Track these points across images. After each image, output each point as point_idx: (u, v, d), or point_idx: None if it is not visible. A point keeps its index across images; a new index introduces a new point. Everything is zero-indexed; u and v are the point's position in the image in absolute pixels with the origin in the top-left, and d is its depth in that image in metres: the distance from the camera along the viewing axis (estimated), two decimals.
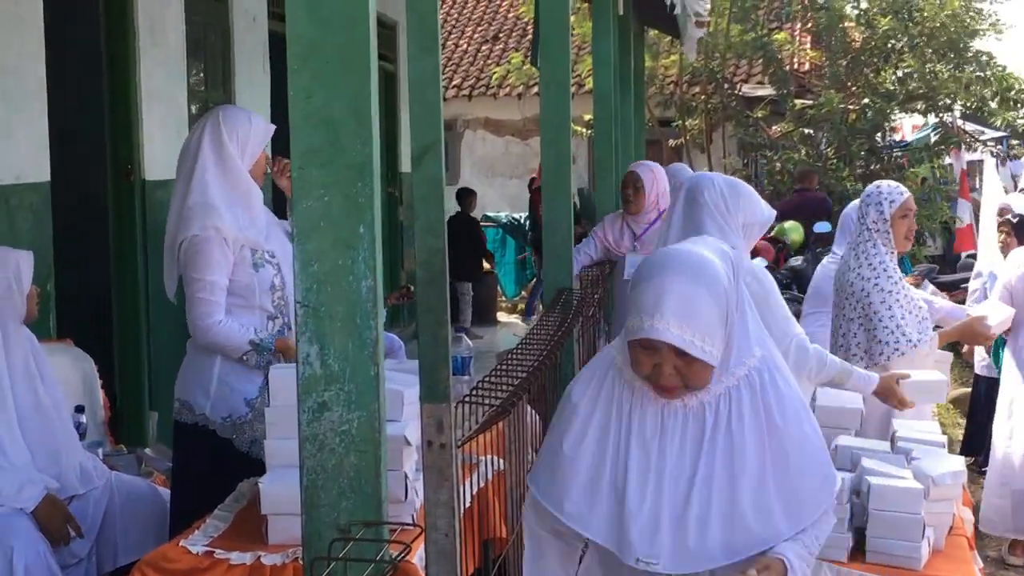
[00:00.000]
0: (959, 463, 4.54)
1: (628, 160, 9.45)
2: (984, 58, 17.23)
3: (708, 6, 11.68)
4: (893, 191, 5.31)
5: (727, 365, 2.65)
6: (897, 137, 22.13)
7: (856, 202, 6.92)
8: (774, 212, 5.19)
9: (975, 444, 7.97)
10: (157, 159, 6.92)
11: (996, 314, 5.37)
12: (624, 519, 2.63)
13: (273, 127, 4.61)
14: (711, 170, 16.79)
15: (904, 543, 4.22)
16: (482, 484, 4.32)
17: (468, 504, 3.92)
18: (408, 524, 2.60)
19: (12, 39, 5.81)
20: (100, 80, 6.96)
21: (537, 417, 4.86)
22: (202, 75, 8.09)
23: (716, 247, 2.71)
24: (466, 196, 14.86)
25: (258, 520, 3.74)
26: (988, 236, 8.61)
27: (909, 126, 23.73)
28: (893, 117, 18.15)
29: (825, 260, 7.11)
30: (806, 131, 17.06)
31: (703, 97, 17.51)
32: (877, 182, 5.51)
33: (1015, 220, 7.76)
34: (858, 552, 4.26)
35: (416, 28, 4.76)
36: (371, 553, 2.20)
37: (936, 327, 5.44)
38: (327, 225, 2.19)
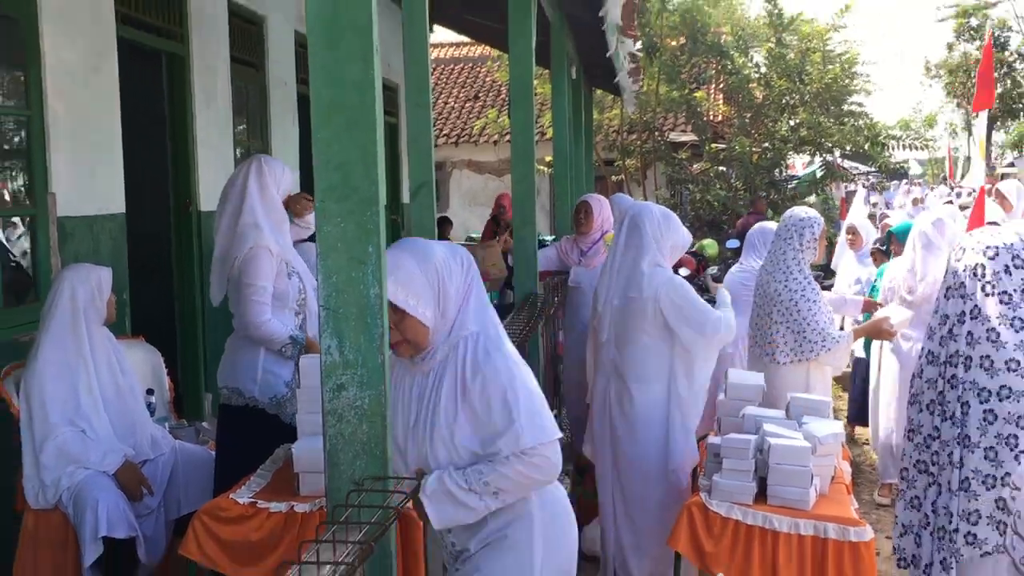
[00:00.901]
0: (839, 427, 4.58)
1: (579, 192, 9.48)
2: (859, 110, 17.51)
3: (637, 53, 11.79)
4: (818, 217, 5.22)
5: (447, 337, 2.68)
6: (791, 173, 22.41)
7: (766, 224, 6.96)
8: (691, 237, 5.25)
9: (856, 412, 8.04)
10: (210, 194, 6.90)
11: (897, 315, 5.40)
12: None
13: (297, 173, 4.63)
14: (646, 199, 16.98)
15: (797, 489, 4.24)
16: None
17: None
18: (409, 477, 2.61)
19: (96, 102, 5.81)
20: (164, 133, 6.96)
21: None
22: (244, 128, 8.08)
23: (452, 249, 2.75)
24: (444, 224, 14.49)
25: (291, 477, 3.74)
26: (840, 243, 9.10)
27: (800, 163, 23.91)
28: (788, 157, 18.32)
29: (733, 269, 7.14)
30: (720, 169, 17.17)
31: (639, 142, 17.59)
32: (796, 209, 5.39)
33: (878, 245, 8.01)
34: (761, 497, 4.29)
35: (412, 89, 4.80)
36: (379, 501, 2.23)
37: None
38: (343, 246, 2.23)
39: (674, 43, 16.98)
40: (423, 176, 4.75)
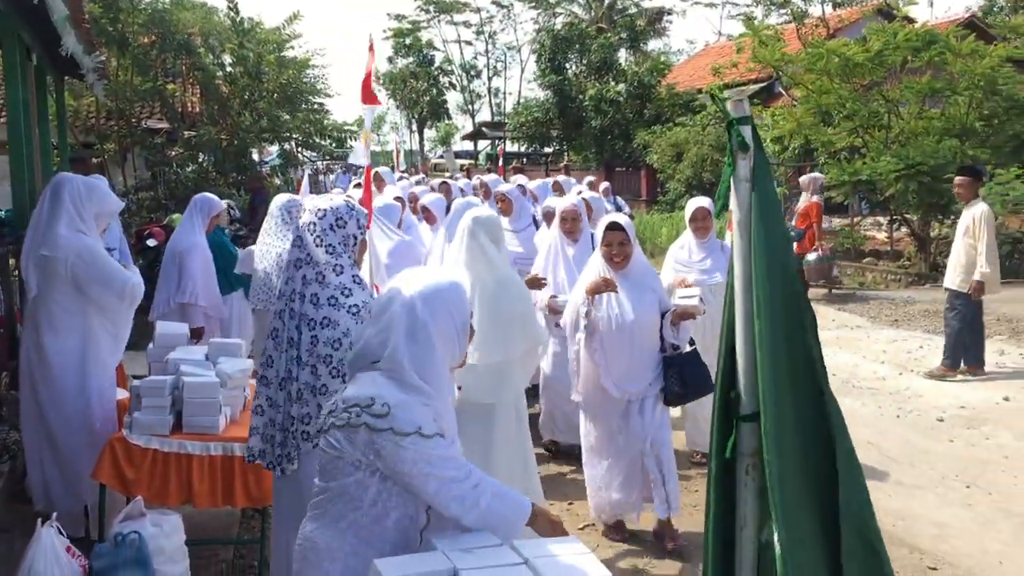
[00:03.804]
0: (248, 364, 4.68)
1: (49, 174, 8.65)
2: (316, 107, 18.04)
3: (102, 58, 11.04)
4: (295, 199, 6.54)
5: None
6: (265, 158, 22.40)
7: (282, 198, 6.66)
8: (120, 205, 5.03)
9: None
10: None
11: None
12: None
13: None
14: (125, 183, 16.04)
15: (208, 418, 4.29)
16: None
17: None
18: None
19: None
20: None
21: None
22: None
23: None
24: None
25: None
26: None
27: (275, 150, 24.00)
28: (255, 144, 18.26)
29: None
30: (195, 154, 16.70)
31: (116, 128, 16.48)
32: (280, 195, 6.35)
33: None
34: (179, 428, 4.28)
35: None
36: None
37: None
38: None
39: (146, 40, 16.10)
40: None
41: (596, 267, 5.04)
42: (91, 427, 4.56)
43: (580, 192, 10.64)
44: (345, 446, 2.45)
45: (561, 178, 13.19)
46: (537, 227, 8.46)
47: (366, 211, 3.52)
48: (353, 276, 3.33)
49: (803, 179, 13.73)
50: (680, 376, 4.86)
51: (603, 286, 4.89)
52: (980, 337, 8.96)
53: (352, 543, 2.46)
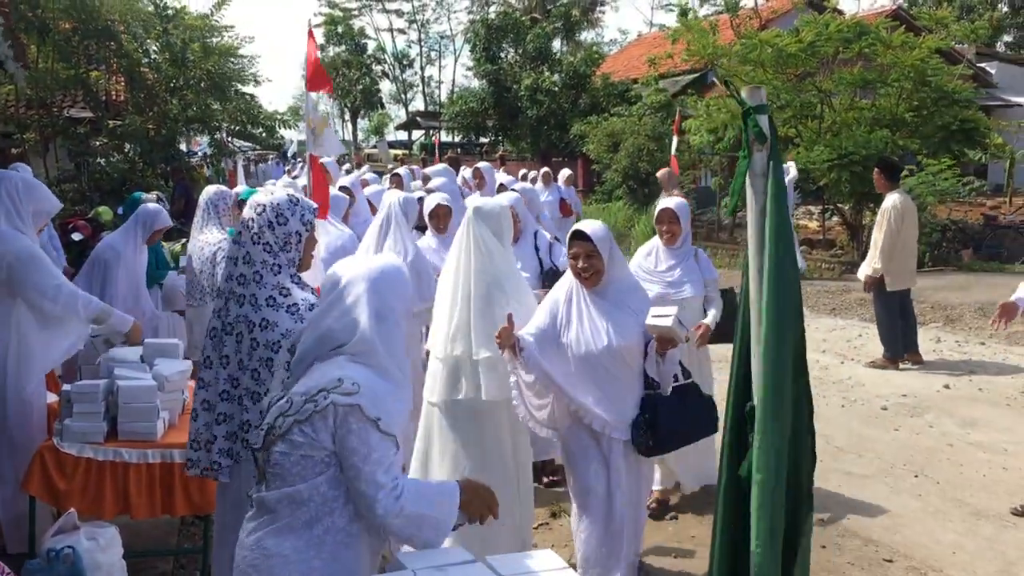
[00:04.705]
0: (185, 365, 4.46)
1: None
2: (248, 96, 17.55)
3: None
4: (226, 190, 6.08)
5: None
6: (195, 148, 21.80)
7: (210, 190, 6.28)
8: (58, 204, 4.75)
9: None
10: None
11: None
12: None
13: None
14: (47, 174, 15.40)
15: (145, 424, 4.06)
16: None
17: None
18: None
19: None
20: None
21: None
22: None
23: None
24: None
25: None
26: None
27: (206, 140, 23.44)
28: (183, 134, 17.71)
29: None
30: (121, 144, 16.10)
31: (37, 117, 15.79)
32: (210, 187, 6.02)
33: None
34: (113, 434, 4.04)
35: None
36: None
37: None
38: None
39: (67, 25, 15.44)
40: None
41: (565, 285, 4.16)
42: (10, 435, 4.27)
43: (501, 183, 10.51)
44: (315, 438, 2.36)
45: (483, 165, 12.42)
46: None
47: (314, 205, 3.31)
48: (292, 275, 3.16)
49: (660, 174, 12.77)
50: (651, 423, 3.94)
51: (506, 339, 3.89)
52: (911, 324, 9.08)
53: (331, 548, 2.36)
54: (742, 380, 2.02)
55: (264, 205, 3.14)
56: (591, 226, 4.07)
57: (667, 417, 3.93)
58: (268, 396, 2.63)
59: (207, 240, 5.75)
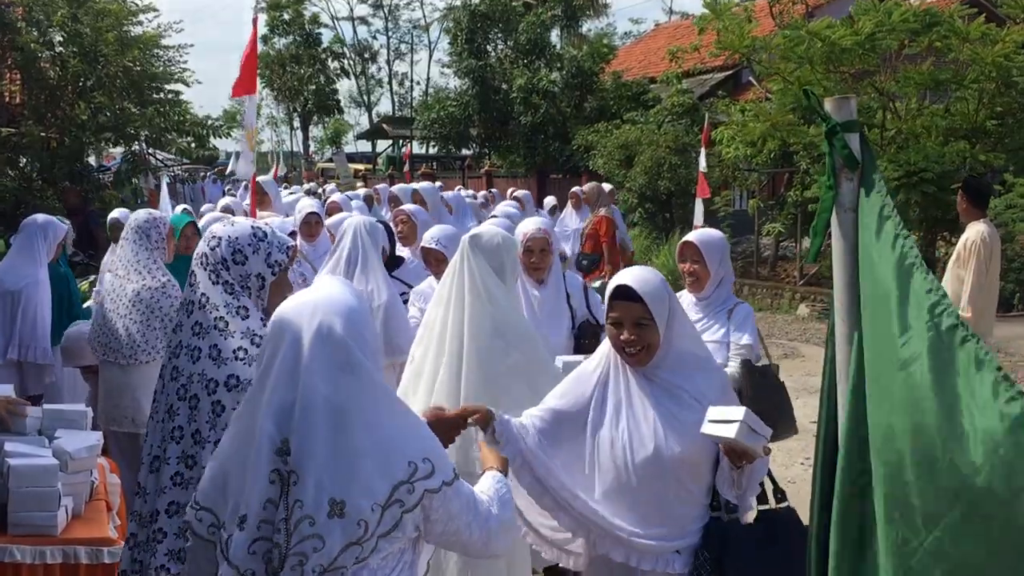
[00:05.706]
0: (95, 437, 4.44)
1: None
2: (173, 99, 17.61)
3: None
4: (161, 216, 5.89)
5: None
6: (107, 163, 21.83)
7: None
8: None
9: None
10: None
11: None
12: None
13: None
14: None
15: (43, 514, 4.03)
16: None
17: None
18: None
19: None
20: None
21: None
22: None
23: None
24: None
25: None
26: None
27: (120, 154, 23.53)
28: (93, 145, 17.73)
29: None
30: (15, 157, 16.12)
31: None
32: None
33: None
34: (2, 525, 4.00)
35: None
36: None
37: None
38: None
39: None
40: None
41: (600, 359, 3.58)
42: None
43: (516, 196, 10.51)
44: (402, 535, 2.39)
45: (449, 196, 12.49)
46: None
47: (290, 242, 3.26)
48: (261, 319, 3.11)
49: (586, 188, 12.97)
50: (718, 564, 3.31)
51: (458, 425, 3.35)
52: None
53: None
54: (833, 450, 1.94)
55: (220, 238, 3.14)
56: (640, 278, 3.42)
57: (741, 557, 3.30)
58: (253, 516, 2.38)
59: (144, 282, 5.60)
